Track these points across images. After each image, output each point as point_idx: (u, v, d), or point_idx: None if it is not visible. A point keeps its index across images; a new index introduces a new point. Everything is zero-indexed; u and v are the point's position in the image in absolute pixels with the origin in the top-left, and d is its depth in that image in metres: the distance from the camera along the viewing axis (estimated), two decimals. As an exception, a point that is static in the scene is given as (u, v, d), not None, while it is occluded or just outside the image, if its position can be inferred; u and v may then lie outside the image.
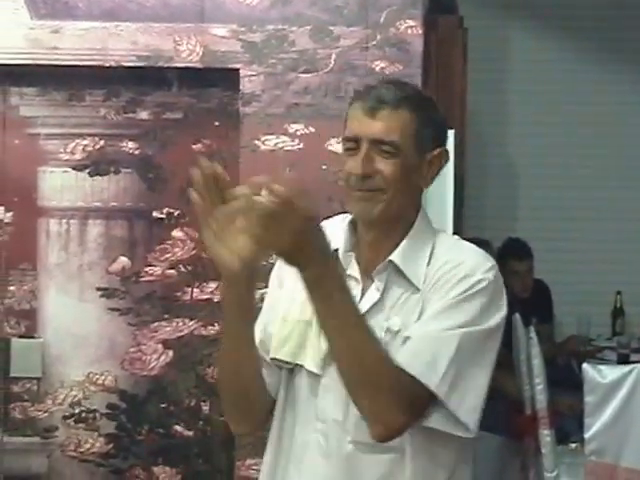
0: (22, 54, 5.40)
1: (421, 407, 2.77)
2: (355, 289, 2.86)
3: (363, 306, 2.87)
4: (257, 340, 2.95)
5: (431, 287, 2.89)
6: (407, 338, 2.84)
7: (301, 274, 2.64)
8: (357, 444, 2.85)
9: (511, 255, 7.97)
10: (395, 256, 2.94)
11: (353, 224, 3.01)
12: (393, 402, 2.74)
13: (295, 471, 2.94)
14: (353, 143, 2.88)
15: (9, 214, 5.57)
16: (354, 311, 2.70)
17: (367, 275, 2.96)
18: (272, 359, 2.96)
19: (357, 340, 2.70)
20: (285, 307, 3.00)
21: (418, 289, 2.91)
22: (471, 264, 2.91)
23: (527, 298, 7.96)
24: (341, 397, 2.82)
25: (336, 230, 2.96)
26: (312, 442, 2.91)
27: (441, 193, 5.29)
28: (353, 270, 2.95)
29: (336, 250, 2.88)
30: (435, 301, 2.87)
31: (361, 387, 2.75)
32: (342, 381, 2.75)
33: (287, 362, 2.95)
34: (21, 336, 5.61)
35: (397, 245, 2.95)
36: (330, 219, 3.07)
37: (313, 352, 2.88)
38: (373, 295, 2.92)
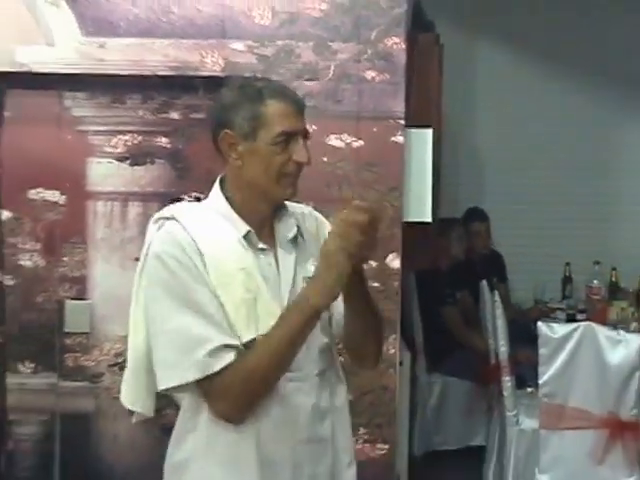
0: (74, 65, 5.37)
1: None
2: (269, 257, 2.89)
3: (290, 265, 2.92)
4: (224, 334, 2.75)
5: (313, 241, 3.00)
6: None
7: (360, 278, 2.76)
8: (320, 374, 2.91)
9: (472, 219, 8.12)
10: (295, 224, 3.01)
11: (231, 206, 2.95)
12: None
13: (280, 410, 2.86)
14: (286, 137, 2.82)
15: (63, 197, 5.56)
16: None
17: (271, 244, 2.95)
18: (247, 342, 2.78)
19: (376, 310, 2.90)
20: (226, 295, 2.79)
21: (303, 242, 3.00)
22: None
23: (487, 263, 8.07)
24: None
25: (204, 216, 2.94)
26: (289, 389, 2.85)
27: (422, 181, 5.30)
28: (262, 244, 2.91)
29: (248, 232, 2.88)
30: None
31: (378, 339, 3.00)
32: (361, 337, 2.92)
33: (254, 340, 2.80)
34: (73, 298, 5.61)
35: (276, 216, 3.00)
36: (175, 213, 2.97)
37: (266, 322, 2.77)
38: (290, 259, 2.94)
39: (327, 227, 2.99)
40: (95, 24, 5.37)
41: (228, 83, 3.13)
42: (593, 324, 5.77)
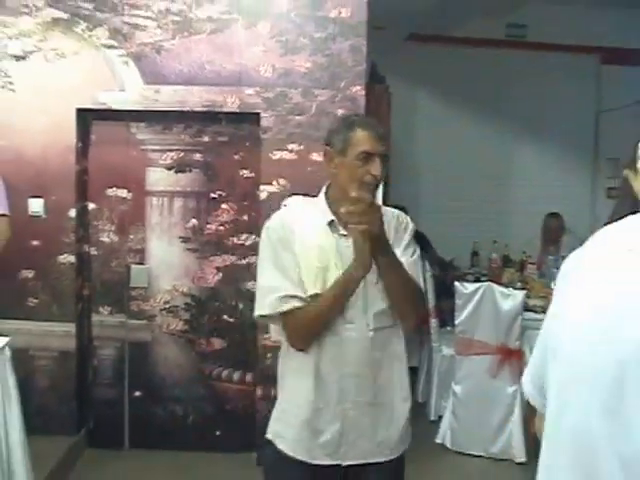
0: (138, 104, 5.37)
1: None
2: (348, 241, 2.75)
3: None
4: (296, 287, 2.74)
5: (394, 232, 2.87)
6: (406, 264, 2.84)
7: (383, 252, 2.67)
8: (376, 331, 2.79)
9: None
10: None
11: (327, 202, 2.86)
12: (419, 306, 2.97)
13: (336, 362, 2.79)
14: (367, 155, 2.72)
15: (130, 194, 5.56)
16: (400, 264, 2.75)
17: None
18: (311, 295, 2.73)
19: (407, 277, 2.78)
20: (304, 261, 2.75)
21: None
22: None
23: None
24: (359, 307, 2.78)
25: (307, 207, 2.89)
26: (345, 336, 2.79)
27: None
28: (343, 230, 2.80)
29: (332, 221, 2.81)
30: (402, 244, 2.88)
31: (411, 302, 2.84)
32: (397, 300, 2.79)
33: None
34: (136, 263, 5.63)
35: None
36: (290, 202, 2.98)
37: None
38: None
39: (406, 226, 2.96)
40: (152, 76, 5.36)
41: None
42: (492, 284, 5.76)
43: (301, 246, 2.77)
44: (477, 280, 6.42)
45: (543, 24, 8.48)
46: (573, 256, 1.62)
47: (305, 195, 3.03)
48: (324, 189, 2.92)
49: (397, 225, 2.92)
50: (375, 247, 2.67)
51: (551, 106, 8.82)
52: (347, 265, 2.73)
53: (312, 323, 2.75)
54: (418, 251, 2.96)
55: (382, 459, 2.87)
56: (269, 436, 2.95)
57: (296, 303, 2.72)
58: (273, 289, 2.74)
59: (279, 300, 2.72)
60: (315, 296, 2.73)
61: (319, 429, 2.80)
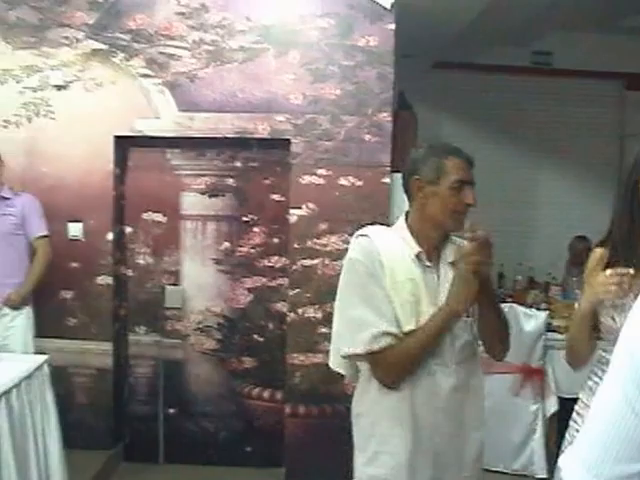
0: (173, 131, 5.43)
1: None
2: (433, 273, 2.69)
3: (447, 281, 2.67)
4: (391, 324, 2.60)
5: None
6: None
7: (488, 290, 2.65)
8: (459, 364, 2.69)
9: None
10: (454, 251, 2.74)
11: (410, 233, 2.73)
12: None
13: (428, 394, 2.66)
14: (460, 184, 2.63)
15: (165, 217, 5.64)
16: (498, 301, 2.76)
17: (436, 263, 2.73)
18: (407, 331, 2.61)
19: (503, 314, 2.75)
20: (397, 296, 2.62)
21: None
22: None
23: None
24: (446, 340, 2.67)
25: (391, 238, 2.73)
26: (434, 370, 2.66)
27: (401, 208, 5.32)
28: (428, 262, 2.71)
29: (419, 253, 2.69)
30: None
31: (503, 337, 2.77)
32: (492, 336, 2.74)
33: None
34: (171, 285, 5.70)
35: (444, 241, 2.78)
36: (370, 232, 2.75)
37: (424, 319, 2.62)
38: (448, 276, 2.68)
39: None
40: (186, 103, 5.44)
41: (417, 145, 2.89)
42: (515, 305, 5.77)
43: (392, 280, 2.63)
44: (502, 301, 6.38)
45: (568, 51, 8.49)
46: None
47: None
48: (403, 218, 2.79)
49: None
50: (482, 285, 2.62)
51: (575, 131, 8.84)
52: (434, 298, 2.65)
53: (408, 360, 2.62)
54: None
55: None
56: None
57: (390, 340, 2.59)
58: (365, 326, 2.60)
59: (373, 338, 2.58)
60: (411, 332, 2.61)
61: (416, 467, 2.68)
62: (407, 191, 2.78)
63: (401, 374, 2.64)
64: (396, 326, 2.60)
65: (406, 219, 2.78)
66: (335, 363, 2.87)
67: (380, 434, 2.71)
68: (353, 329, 2.64)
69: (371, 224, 2.88)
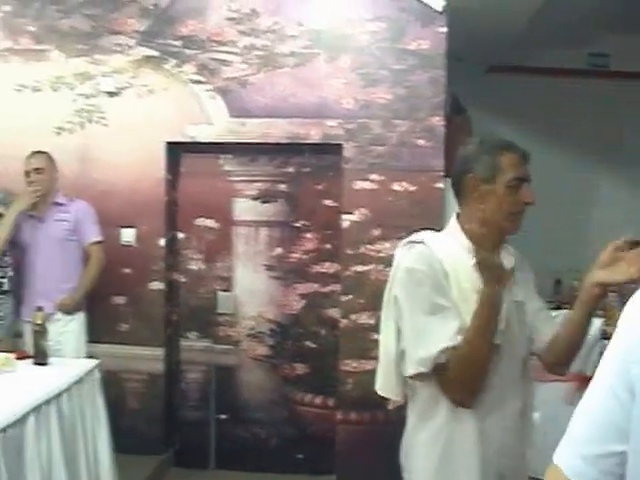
0: (225, 137, 5.46)
1: None
2: None
3: (507, 289, 2.50)
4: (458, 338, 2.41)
5: (520, 273, 2.64)
6: (542, 308, 2.69)
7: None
8: (520, 378, 2.56)
9: None
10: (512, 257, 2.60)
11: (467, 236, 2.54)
12: None
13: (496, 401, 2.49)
14: (518, 181, 2.49)
15: (217, 224, 5.66)
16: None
17: None
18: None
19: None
20: (466, 308, 2.43)
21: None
22: None
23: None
24: (509, 355, 2.52)
25: (449, 244, 2.53)
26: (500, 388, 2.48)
27: (453, 212, 5.29)
28: None
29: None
30: (531, 284, 2.69)
31: (577, 351, 2.62)
32: (566, 349, 2.57)
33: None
34: (223, 290, 5.71)
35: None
36: (425, 239, 2.55)
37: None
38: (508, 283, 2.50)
39: (527, 264, 2.74)
40: (238, 109, 5.45)
41: (467, 142, 2.67)
42: (569, 312, 5.71)
43: (458, 291, 2.46)
44: (558, 308, 6.31)
45: (625, 53, 8.33)
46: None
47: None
48: (454, 221, 2.62)
49: (519, 264, 2.66)
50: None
51: (633, 134, 8.67)
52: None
53: (470, 366, 2.41)
54: None
55: None
56: None
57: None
58: (434, 344, 2.40)
59: (440, 352, 2.39)
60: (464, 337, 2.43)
61: None
62: (458, 191, 2.61)
63: (472, 382, 2.44)
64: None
65: (459, 220, 2.60)
66: (385, 387, 2.68)
67: (448, 458, 2.51)
68: (419, 346, 2.44)
69: (424, 230, 2.69)
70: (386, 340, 2.62)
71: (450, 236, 2.58)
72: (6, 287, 5.05)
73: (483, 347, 2.41)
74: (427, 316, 2.43)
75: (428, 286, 2.44)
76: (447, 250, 2.51)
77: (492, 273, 2.40)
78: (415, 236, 2.61)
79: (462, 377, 2.42)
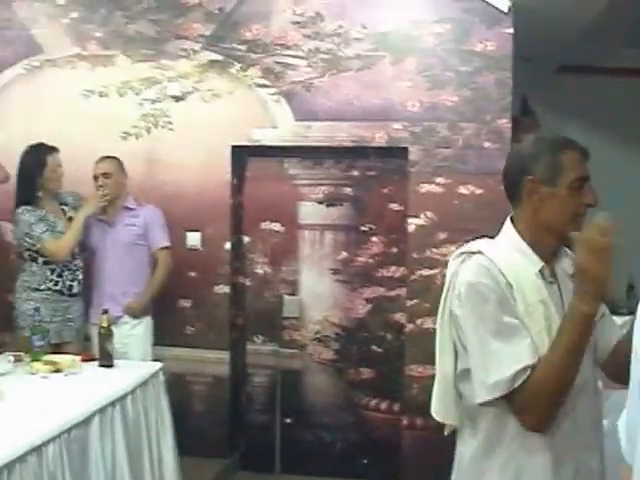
0: (289, 140, 5.50)
1: None
2: (554, 288, 2.33)
3: (570, 296, 2.25)
4: (531, 356, 2.18)
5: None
6: (604, 314, 2.43)
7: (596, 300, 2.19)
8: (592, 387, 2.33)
9: None
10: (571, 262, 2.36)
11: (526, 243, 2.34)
12: None
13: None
14: (580, 182, 2.31)
15: (282, 227, 5.69)
16: None
17: (554, 276, 2.36)
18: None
19: None
20: (533, 322, 2.22)
21: None
22: None
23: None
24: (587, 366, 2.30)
25: (508, 253, 2.32)
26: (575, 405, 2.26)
27: None
28: (550, 277, 2.34)
29: (542, 267, 2.32)
30: None
31: None
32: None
33: None
34: (288, 294, 5.73)
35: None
36: (483, 249, 2.33)
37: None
38: (570, 290, 2.26)
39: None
40: (303, 113, 5.49)
41: (521, 140, 2.50)
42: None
43: (524, 304, 2.25)
44: (631, 314, 6.18)
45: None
46: None
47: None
48: (509, 226, 2.41)
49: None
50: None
51: None
52: (560, 317, 2.26)
53: (550, 388, 2.19)
54: None
55: None
56: None
57: (530, 372, 2.19)
58: (505, 366, 2.18)
59: (514, 376, 2.17)
60: (545, 355, 2.22)
61: None
62: (514, 193, 2.39)
63: (549, 407, 2.22)
64: (536, 357, 2.20)
65: (515, 226, 2.39)
66: (443, 412, 2.50)
67: None
68: (490, 369, 2.22)
69: (482, 237, 2.48)
70: (442, 361, 2.44)
71: (506, 243, 2.39)
72: (76, 290, 5.16)
73: (572, 367, 2.21)
74: (496, 336, 2.23)
75: (494, 302, 2.24)
76: (507, 259, 2.32)
77: (595, 286, 2.17)
78: (470, 246, 2.42)
79: (541, 399, 2.21)
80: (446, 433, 2.59)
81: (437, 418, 2.51)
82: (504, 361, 2.19)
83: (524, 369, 2.16)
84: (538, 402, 2.20)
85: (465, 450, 2.43)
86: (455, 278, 2.37)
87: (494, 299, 2.23)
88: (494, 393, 2.20)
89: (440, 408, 2.49)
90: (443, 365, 2.43)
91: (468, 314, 2.29)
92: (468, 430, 2.42)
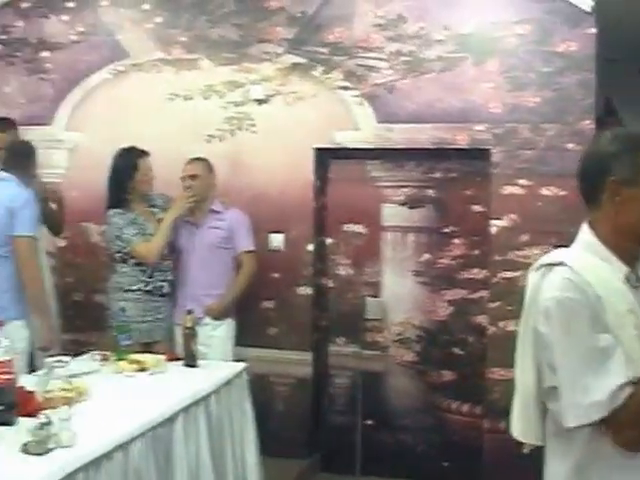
0: (372, 142, 5.54)
1: None
2: (639, 293, 2.16)
3: None
4: (627, 371, 2.02)
5: None
6: None
7: None
8: None
9: None
10: None
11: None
12: None
13: None
14: None
15: (365, 229, 5.74)
16: None
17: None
18: None
19: None
20: (624, 335, 2.05)
21: None
22: None
23: None
24: None
25: (591, 261, 2.17)
26: None
27: None
28: (636, 282, 2.17)
29: (629, 273, 2.17)
30: None
31: None
32: None
33: None
34: (371, 296, 5.76)
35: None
36: (565, 260, 2.16)
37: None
38: None
39: None
40: (385, 115, 5.53)
41: (597, 137, 2.40)
42: None
43: (615, 316, 2.09)
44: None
45: None
46: None
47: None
48: (587, 230, 2.25)
49: None
50: None
51: None
52: None
53: None
54: None
55: None
56: None
57: (631, 389, 2.03)
58: (599, 384, 2.03)
59: (612, 395, 2.02)
60: None
61: None
62: (593, 195, 2.24)
63: None
64: (631, 371, 2.04)
65: (594, 231, 2.23)
66: (525, 432, 2.36)
67: None
68: (585, 391, 2.06)
69: (572, 238, 2.33)
70: (524, 378, 2.31)
71: (587, 250, 2.23)
72: (166, 290, 5.29)
73: None
74: (588, 355, 2.08)
75: (585, 318, 2.08)
76: (591, 268, 2.16)
77: None
78: (550, 257, 2.27)
79: None
80: (526, 451, 2.42)
81: (517, 437, 2.38)
82: (599, 381, 2.05)
83: (621, 387, 2.02)
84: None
85: (557, 471, 2.28)
86: (537, 293, 2.23)
87: (586, 315, 2.08)
88: (592, 416, 2.06)
89: (520, 426, 2.38)
90: (524, 382, 2.32)
91: (557, 333, 2.14)
92: (560, 448, 2.27)
